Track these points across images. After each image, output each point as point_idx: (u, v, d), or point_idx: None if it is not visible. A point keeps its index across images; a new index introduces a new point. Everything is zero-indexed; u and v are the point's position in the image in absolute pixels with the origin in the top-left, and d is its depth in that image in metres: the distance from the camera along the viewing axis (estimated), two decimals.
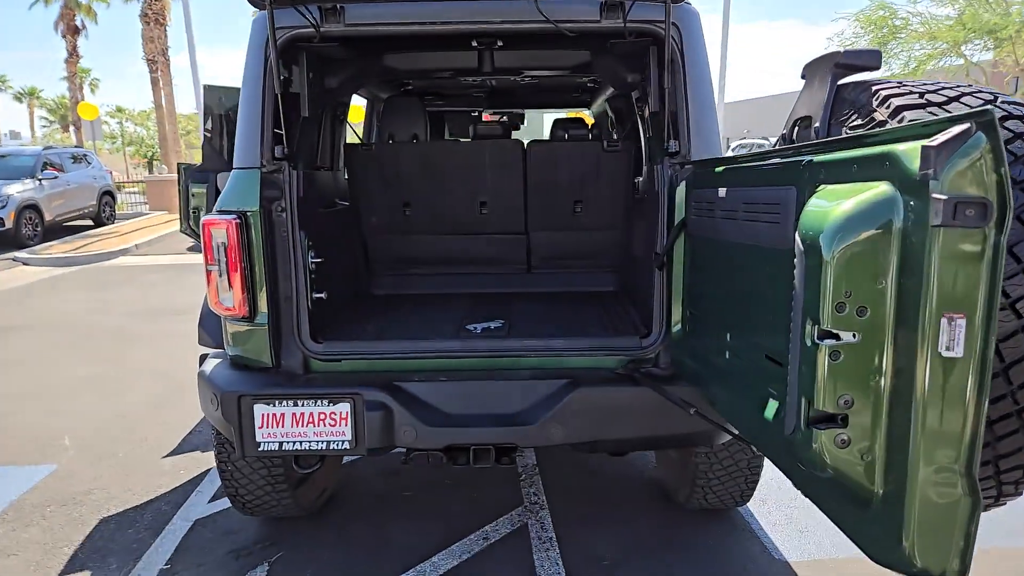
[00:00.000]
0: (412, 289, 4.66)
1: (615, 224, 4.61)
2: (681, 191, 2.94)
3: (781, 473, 2.04)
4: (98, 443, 5.26)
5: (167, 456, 5.06)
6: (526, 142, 4.48)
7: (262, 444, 3.10)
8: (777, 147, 2.23)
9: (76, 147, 24.54)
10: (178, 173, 5.29)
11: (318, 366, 3.29)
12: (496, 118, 6.93)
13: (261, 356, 3.24)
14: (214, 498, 4.44)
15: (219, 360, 3.38)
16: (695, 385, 2.86)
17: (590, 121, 7.11)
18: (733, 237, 2.29)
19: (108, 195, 20.12)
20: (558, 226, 4.63)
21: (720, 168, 2.40)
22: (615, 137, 4.58)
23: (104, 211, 19.74)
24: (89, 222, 19.48)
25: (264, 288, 3.16)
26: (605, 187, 4.50)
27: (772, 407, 1.91)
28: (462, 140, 4.53)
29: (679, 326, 3.01)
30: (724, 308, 2.44)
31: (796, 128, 2.66)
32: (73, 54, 40.61)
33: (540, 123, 11.22)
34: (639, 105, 4.67)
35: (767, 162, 1.99)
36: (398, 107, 4.69)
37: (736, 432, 2.64)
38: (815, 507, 1.86)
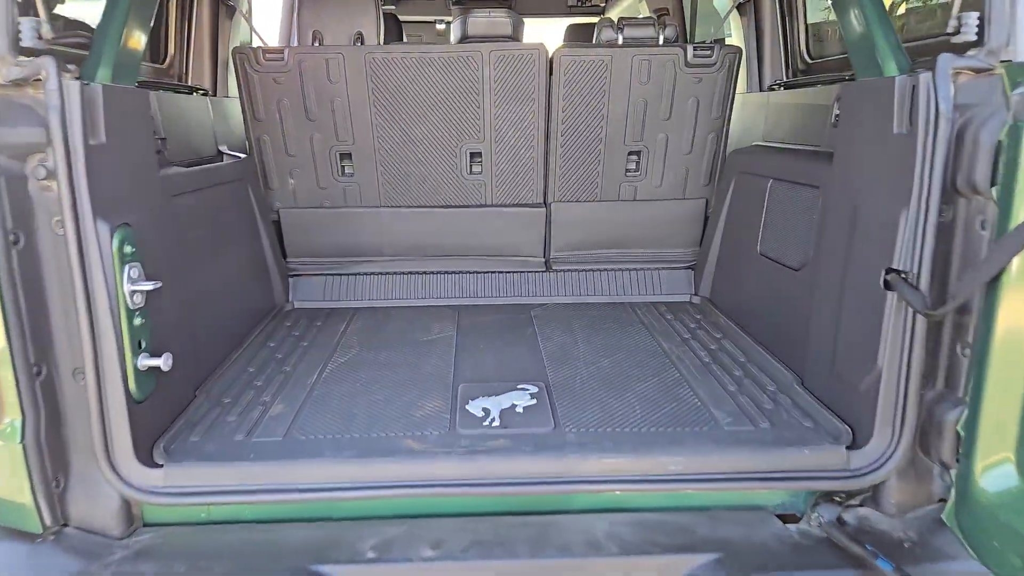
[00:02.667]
0: (357, 299, 2.86)
1: (695, 191, 2.85)
2: None
3: None
4: None
5: None
6: (551, 49, 2.67)
7: None
8: None
9: None
10: None
11: (156, 516, 1.54)
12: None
13: (15, 504, 1.46)
14: None
15: None
16: None
17: None
18: None
19: None
20: (599, 193, 2.85)
21: None
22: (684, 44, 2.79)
23: None
24: None
25: (10, 356, 1.37)
26: (683, 128, 2.73)
27: None
28: (439, 47, 2.65)
29: (1001, 459, 1.29)
30: None
31: None
32: None
33: None
34: None
35: None
36: None
37: None
38: None
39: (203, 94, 2.63)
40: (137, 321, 1.52)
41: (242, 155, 2.66)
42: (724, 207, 2.69)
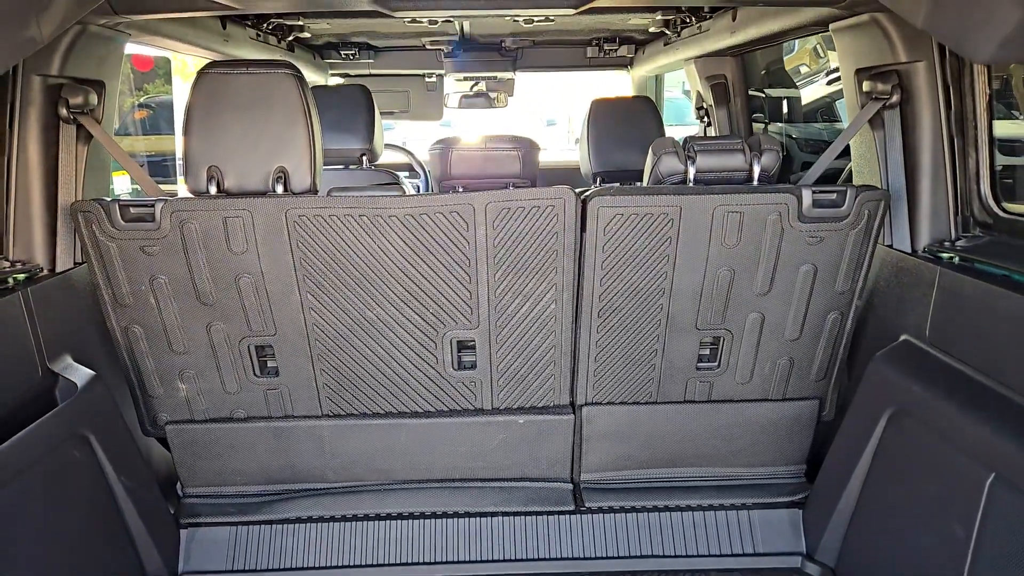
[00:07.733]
0: (284, 564, 1.91)
1: (802, 388, 1.89)
2: None
3: None
4: None
5: None
6: (585, 192, 1.71)
7: None
8: None
9: None
10: None
11: None
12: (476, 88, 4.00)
13: None
14: None
15: None
16: None
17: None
18: None
19: None
20: (655, 392, 1.89)
21: None
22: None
23: None
24: None
25: None
26: (788, 305, 1.77)
27: None
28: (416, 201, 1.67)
29: None
30: None
31: None
32: None
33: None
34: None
35: None
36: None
37: None
38: None
39: (27, 276, 1.66)
40: None
41: (84, 376, 1.65)
42: (869, 445, 1.69)
